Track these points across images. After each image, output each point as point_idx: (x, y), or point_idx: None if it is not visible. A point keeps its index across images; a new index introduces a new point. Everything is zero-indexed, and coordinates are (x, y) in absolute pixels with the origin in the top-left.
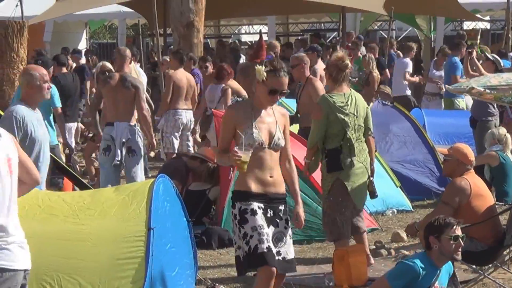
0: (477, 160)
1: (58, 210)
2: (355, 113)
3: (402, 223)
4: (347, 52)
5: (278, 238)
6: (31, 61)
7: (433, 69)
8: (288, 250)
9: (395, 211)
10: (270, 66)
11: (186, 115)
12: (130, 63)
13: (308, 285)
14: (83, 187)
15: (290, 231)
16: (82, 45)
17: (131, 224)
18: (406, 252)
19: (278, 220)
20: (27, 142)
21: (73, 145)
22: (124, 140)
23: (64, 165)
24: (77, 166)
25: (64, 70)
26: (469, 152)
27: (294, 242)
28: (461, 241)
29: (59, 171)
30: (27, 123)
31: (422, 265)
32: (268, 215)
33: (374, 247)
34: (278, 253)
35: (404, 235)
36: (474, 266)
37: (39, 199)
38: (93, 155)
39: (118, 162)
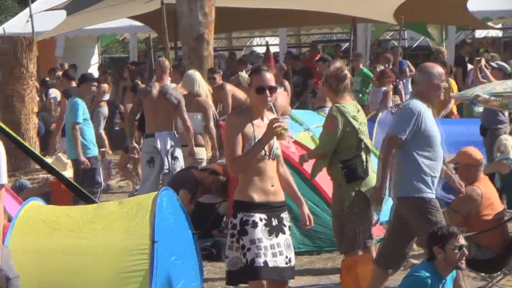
0: (488, 168)
1: (61, 225)
2: (365, 121)
3: None
4: (345, 62)
5: (288, 244)
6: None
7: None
8: (293, 256)
9: None
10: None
11: None
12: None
13: None
14: (87, 200)
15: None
16: (94, 60)
17: (134, 237)
18: (415, 261)
19: (284, 227)
20: (418, 138)
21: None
22: (168, 148)
23: (68, 178)
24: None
25: (74, 84)
26: (474, 152)
27: (304, 253)
28: (465, 250)
29: (64, 185)
30: (422, 119)
31: (428, 275)
32: (274, 224)
33: None
34: (290, 259)
35: (413, 244)
36: (482, 274)
37: (42, 214)
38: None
39: (167, 171)
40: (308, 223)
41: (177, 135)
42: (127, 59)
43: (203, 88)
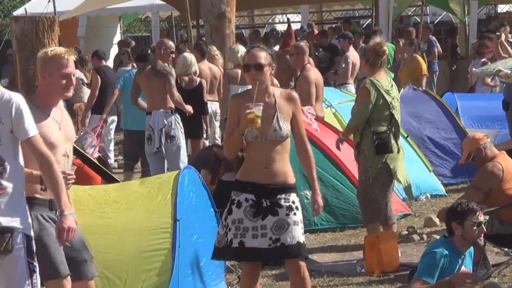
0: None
1: (83, 204)
2: (398, 98)
3: (435, 208)
4: (385, 38)
5: (278, 226)
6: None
7: None
8: (292, 235)
9: (429, 196)
10: None
11: (212, 106)
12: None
13: (340, 272)
14: (109, 179)
15: (296, 217)
16: (117, 39)
17: (156, 216)
18: (438, 237)
19: (277, 208)
20: None
21: (113, 134)
22: (161, 127)
23: (89, 156)
24: (108, 160)
25: (104, 62)
26: (477, 134)
27: (327, 229)
28: (483, 227)
29: (84, 163)
30: None
31: (447, 252)
32: (264, 205)
33: (406, 232)
34: (277, 240)
35: (437, 220)
36: (505, 249)
37: None
38: None
39: (157, 150)
40: (315, 212)
41: (175, 114)
42: (149, 38)
43: None
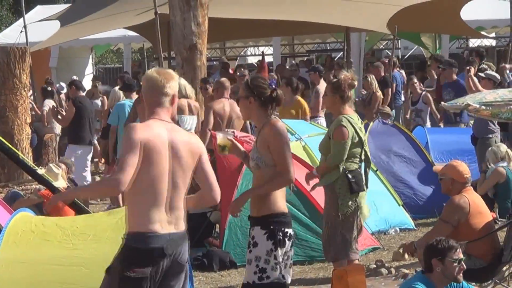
0: (489, 181)
1: (51, 235)
2: (365, 133)
3: (404, 242)
4: (353, 71)
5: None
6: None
7: None
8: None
9: (398, 229)
10: None
11: None
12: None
13: None
14: (80, 210)
15: (250, 255)
16: (89, 70)
17: None
18: (406, 271)
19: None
20: None
21: (89, 165)
22: None
23: (59, 189)
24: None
25: (81, 93)
26: (463, 169)
27: (296, 263)
28: (463, 264)
29: (50, 191)
30: None
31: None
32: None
33: (374, 265)
34: None
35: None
36: (473, 284)
37: (32, 224)
38: None
39: None
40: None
41: None
42: (121, 69)
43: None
